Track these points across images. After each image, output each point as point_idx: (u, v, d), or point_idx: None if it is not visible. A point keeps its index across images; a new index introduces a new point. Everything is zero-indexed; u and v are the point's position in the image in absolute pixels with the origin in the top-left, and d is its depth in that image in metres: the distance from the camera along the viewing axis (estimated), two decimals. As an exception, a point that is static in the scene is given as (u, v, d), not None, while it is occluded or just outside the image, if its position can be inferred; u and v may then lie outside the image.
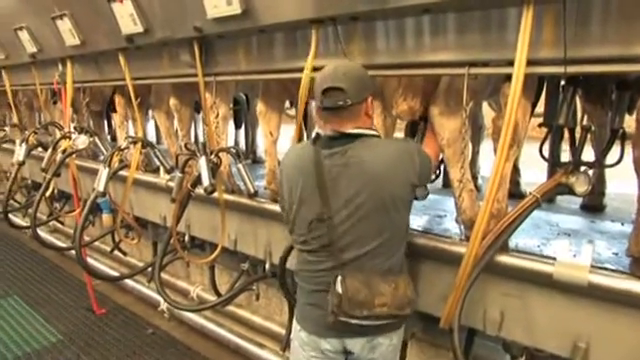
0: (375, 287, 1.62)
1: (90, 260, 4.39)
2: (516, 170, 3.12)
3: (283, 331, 2.97)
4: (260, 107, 2.79)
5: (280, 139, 2.87)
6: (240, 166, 2.63)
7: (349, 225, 1.64)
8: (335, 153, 1.66)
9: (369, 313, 1.61)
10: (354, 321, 1.63)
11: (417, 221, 2.50)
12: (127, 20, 2.65)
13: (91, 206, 2.93)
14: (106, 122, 5.21)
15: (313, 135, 1.76)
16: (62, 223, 5.22)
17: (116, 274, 4.15)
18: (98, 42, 3.09)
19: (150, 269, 3.45)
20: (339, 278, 1.62)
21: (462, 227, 2.23)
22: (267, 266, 2.76)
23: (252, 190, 2.64)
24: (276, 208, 2.63)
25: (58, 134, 3.84)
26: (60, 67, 3.65)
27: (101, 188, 2.85)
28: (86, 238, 4.03)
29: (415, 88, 2.19)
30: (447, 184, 3.26)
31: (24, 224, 4.70)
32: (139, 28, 2.63)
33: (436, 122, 2.18)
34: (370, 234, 1.64)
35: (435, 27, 1.82)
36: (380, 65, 2.04)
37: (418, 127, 2.31)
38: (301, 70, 2.17)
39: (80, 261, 2.91)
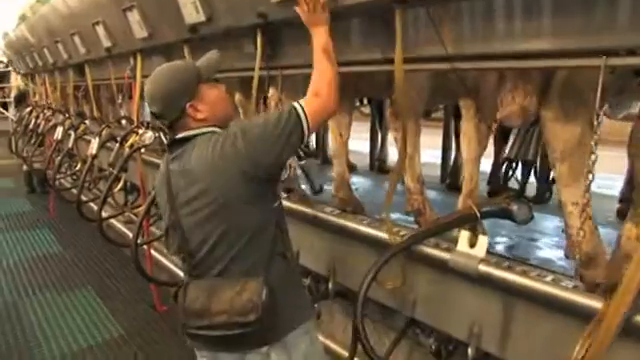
0: (214, 293, 1.47)
1: (156, 255, 4.31)
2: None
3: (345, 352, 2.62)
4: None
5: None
6: (303, 163, 2.25)
7: (194, 229, 1.51)
8: (175, 158, 1.56)
9: (209, 323, 1.46)
10: (201, 332, 1.49)
11: (504, 243, 2.03)
12: (190, 8, 2.40)
13: (150, 206, 2.73)
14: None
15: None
16: (136, 215, 5.23)
17: (179, 271, 4.00)
18: (164, 34, 2.90)
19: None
20: (185, 286, 1.52)
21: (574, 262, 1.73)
22: (330, 285, 2.39)
23: (317, 187, 2.23)
24: (342, 221, 2.26)
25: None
26: (132, 61, 3.53)
27: (159, 188, 2.64)
28: (155, 231, 3.97)
29: (529, 82, 1.69)
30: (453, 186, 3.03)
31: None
32: (201, 17, 2.37)
33: (548, 130, 1.69)
34: (214, 237, 1.48)
35: (555, 4, 1.33)
36: (476, 55, 1.59)
37: None
38: (379, 62, 1.78)
39: (135, 261, 2.72)
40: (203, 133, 1.53)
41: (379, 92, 2.58)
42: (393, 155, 4.05)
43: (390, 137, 4.15)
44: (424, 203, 2.30)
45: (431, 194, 2.82)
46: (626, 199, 2.56)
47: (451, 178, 3.29)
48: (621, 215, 2.65)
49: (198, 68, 1.59)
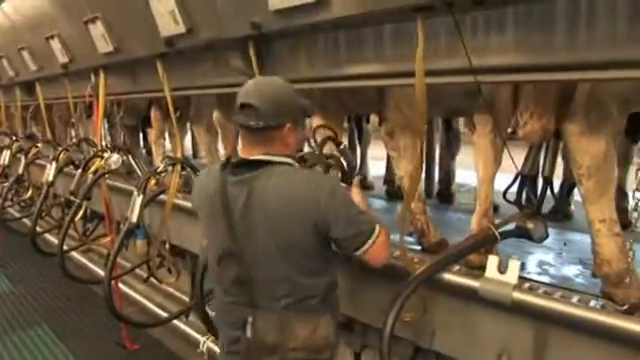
0: (289, 329, 1.45)
1: (122, 287, 3.91)
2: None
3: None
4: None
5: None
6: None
7: (258, 263, 1.45)
8: (239, 182, 1.45)
9: (281, 358, 1.45)
10: None
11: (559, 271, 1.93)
12: (167, 19, 2.15)
13: (122, 241, 2.41)
14: (142, 136, 4.80)
15: (223, 159, 1.58)
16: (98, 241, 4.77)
17: (150, 304, 3.65)
18: (133, 48, 2.61)
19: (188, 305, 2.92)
20: (250, 320, 1.45)
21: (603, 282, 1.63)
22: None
23: None
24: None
25: (91, 152, 3.38)
26: (93, 78, 3.19)
27: (134, 219, 2.35)
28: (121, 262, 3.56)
29: (548, 100, 1.58)
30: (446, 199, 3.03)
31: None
32: (181, 28, 2.12)
33: (574, 145, 1.58)
34: (281, 275, 1.45)
35: (605, 10, 1.22)
36: (502, 68, 1.45)
37: None
38: (390, 76, 1.62)
39: (108, 300, 2.39)
40: (282, 163, 1.46)
41: (368, 108, 2.41)
42: (374, 171, 3.92)
43: (370, 152, 4.09)
44: (427, 223, 2.14)
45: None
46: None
47: (442, 188, 3.18)
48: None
49: (308, 103, 1.58)
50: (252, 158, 1.45)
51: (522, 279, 1.63)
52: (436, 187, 3.26)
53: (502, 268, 1.60)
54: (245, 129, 1.46)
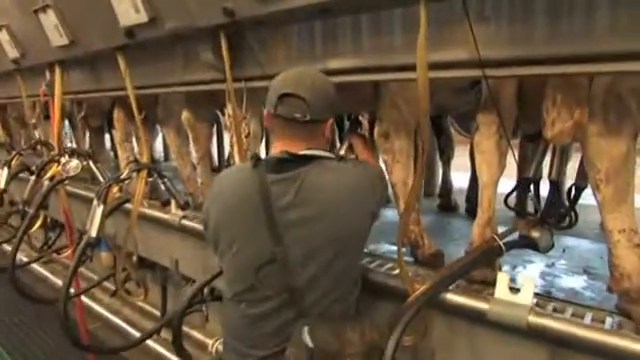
0: (343, 336, 1.35)
1: (87, 301, 3.58)
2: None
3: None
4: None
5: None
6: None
7: (306, 265, 1.33)
8: (285, 179, 1.34)
9: None
10: None
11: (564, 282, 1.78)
12: (126, 7, 1.87)
13: (79, 257, 2.12)
14: (109, 138, 4.44)
15: (251, 157, 1.44)
16: (59, 253, 4.40)
17: (117, 320, 3.35)
18: (91, 40, 2.31)
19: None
20: (306, 329, 1.31)
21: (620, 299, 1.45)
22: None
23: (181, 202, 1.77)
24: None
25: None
26: (48, 74, 2.86)
27: (94, 233, 2.06)
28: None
29: (581, 92, 1.38)
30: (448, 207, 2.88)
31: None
32: (143, 17, 1.85)
33: (592, 147, 1.39)
34: (329, 274, 1.36)
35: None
36: (513, 60, 1.26)
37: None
38: (389, 69, 1.40)
39: (64, 326, 2.09)
40: (330, 158, 1.42)
41: (361, 107, 2.19)
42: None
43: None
44: (422, 234, 1.94)
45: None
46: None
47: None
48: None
49: None
50: (302, 153, 1.36)
51: (515, 290, 1.44)
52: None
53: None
54: (287, 122, 1.35)
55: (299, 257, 1.33)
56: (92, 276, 3.68)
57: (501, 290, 1.39)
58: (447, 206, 2.97)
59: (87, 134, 3.38)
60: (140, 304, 3.47)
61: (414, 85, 1.76)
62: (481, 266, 1.58)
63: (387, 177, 1.89)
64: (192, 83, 2.20)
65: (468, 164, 2.76)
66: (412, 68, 1.28)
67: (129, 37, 1.99)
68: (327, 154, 1.43)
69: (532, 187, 1.86)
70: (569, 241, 2.31)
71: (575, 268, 1.99)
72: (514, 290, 1.42)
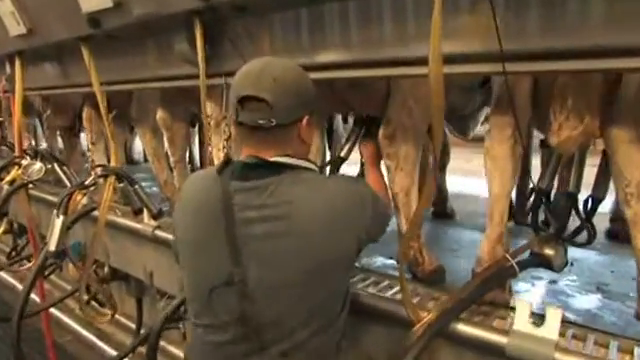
0: None
1: (56, 313, 3.29)
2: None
3: None
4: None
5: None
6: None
7: (269, 293, 1.11)
8: (252, 189, 1.13)
9: None
10: None
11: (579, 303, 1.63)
12: (88, -10, 1.62)
13: (39, 270, 1.86)
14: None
15: (220, 161, 1.23)
16: (29, 260, 4.09)
17: (88, 334, 3.08)
18: (51, 29, 2.05)
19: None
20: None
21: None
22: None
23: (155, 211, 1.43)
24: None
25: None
26: (7, 67, 2.58)
27: (52, 246, 1.80)
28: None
29: (591, 96, 1.20)
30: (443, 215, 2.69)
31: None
32: (107, 2, 1.60)
33: (621, 156, 1.20)
34: (301, 306, 1.13)
35: None
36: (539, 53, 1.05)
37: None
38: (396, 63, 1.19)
39: (16, 350, 1.83)
40: (307, 168, 1.18)
41: (373, 107, 1.91)
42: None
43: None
44: (422, 249, 1.74)
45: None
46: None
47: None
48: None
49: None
50: (271, 160, 1.14)
51: (541, 317, 1.24)
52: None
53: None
54: (252, 129, 1.12)
55: (261, 281, 1.10)
56: (64, 285, 3.41)
57: (522, 321, 1.19)
58: (442, 214, 2.78)
59: (50, 135, 3.08)
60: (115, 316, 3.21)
61: (428, 83, 1.58)
62: (493, 289, 1.39)
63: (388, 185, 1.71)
64: (167, 78, 1.97)
65: (464, 167, 2.59)
66: (420, 62, 1.07)
67: (93, 25, 1.74)
68: (305, 163, 1.19)
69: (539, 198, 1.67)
70: (576, 253, 2.13)
71: (587, 285, 1.81)
72: (535, 316, 1.22)
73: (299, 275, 1.10)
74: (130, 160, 4.91)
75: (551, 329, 1.15)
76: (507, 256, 1.41)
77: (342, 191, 1.16)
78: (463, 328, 1.27)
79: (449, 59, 1.07)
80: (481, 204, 2.99)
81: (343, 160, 1.96)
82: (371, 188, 1.26)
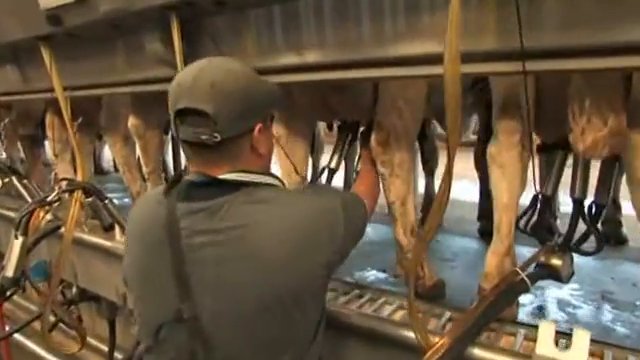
0: None
1: (20, 338, 3.02)
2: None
3: None
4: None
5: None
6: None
7: (225, 329, 0.96)
8: (200, 211, 0.97)
9: None
10: None
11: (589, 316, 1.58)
12: (47, -18, 1.42)
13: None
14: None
15: (169, 179, 1.09)
16: None
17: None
18: (6, 27, 1.82)
19: None
20: None
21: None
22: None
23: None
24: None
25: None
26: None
27: (10, 272, 1.59)
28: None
29: (617, 95, 1.10)
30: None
31: None
32: (69, -4, 1.41)
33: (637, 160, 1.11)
34: (259, 343, 0.97)
35: None
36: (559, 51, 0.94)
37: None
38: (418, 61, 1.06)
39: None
40: (265, 184, 1.02)
41: (359, 113, 1.77)
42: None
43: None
44: (422, 263, 1.62)
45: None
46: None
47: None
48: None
49: (275, 87, 1.09)
50: (221, 177, 0.97)
51: (558, 334, 1.13)
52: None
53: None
54: (195, 146, 0.97)
55: (214, 316, 0.96)
56: (31, 307, 3.14)
57: (545, 345, 1.07)
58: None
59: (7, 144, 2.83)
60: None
61: (418, 83, 1.46)
62: (506, 307, 1.27)
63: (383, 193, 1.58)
64: (138, 82, 1.78)
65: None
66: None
67: (53, 23, 1.55)
68: (263, 178, 1.03)
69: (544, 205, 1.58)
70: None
71: (591, 294, 1.73)
72: (560, 335, 1.11)
73: (257, 307, 0.95)
74: (100, 170, 4.64)
75: (579, 353, 1.04)
76: (517, 270, 1.30)
77: (307, 210, 1.01)
78: (481, 354, 1.14)
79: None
80: (468, 209, 2.92)
81: (334, 171, 1.84)
82: (340, 196, 1.13)
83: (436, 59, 0.97)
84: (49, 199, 1.71)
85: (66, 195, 1.78)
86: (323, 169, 1.81)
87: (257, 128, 1.00)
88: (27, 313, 3.00)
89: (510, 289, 1.26)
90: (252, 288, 0.94)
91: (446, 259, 2.14)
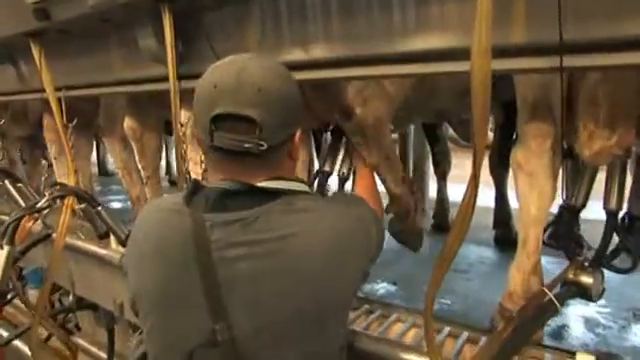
0: None
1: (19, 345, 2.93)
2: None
3: None
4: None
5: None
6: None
7: (263, 350, 0.86)
8: (235, 221, 0.86)
9: None
10: None
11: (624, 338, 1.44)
12: (33, -26, 1.31)
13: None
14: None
15: (188, 187, 0.95)
16: None
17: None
18: (-5, 24, 1.72)
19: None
20: None
21: None
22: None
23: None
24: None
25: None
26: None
27: (-6, 283, 1.47)
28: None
29: (626, 100, 0.97)
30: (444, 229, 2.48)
31: None
32: (55, -12, 1.30)
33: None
34: (297, 355, 0.88)
35: None
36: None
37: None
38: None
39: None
40: (302, 192, 0.94)
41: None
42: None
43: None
44: (416, 206, 1.53)
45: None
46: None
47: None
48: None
49: None
50: (261, 185, 0.89)
51: None
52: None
53: None
54: (232, 154, 0.87)
55: (253, 336, 0.87)
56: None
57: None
58: (443, 227, 2.53)
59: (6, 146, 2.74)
60: (85, 345, 2.88)
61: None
62: (535, 332, 1.14)
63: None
64: (134, 82, 1.67)
65: (453, 173, 2.37)
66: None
67: (40, 17, 1.43)
68: (298, 185, 0.95)
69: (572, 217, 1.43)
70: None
71: (621, 312, 1.58)
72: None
73: (298, 322, 0.86)
74: (104, 171, 4.56)
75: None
76: (545, 290, 1.17)
77: (344, 219, 0.94)
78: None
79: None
80: (482, 215, 2.78)
81: (329, 174, 1.73)
82: (369, 205, 1.06)
83: (458, 54, 0.85)
84: (38, 206, 1.59)
85: (57, 202, 1.67)
86: (317, 173, 1.69)
87: (297, 135, 0.94)
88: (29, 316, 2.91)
89: (539, 313, 1.13)
90: (292, 303, 0.85)
91: (461, 270, 2.01)
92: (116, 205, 3.82)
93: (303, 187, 0.96)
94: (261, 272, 0.85)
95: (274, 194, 0.89)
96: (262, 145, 0.84)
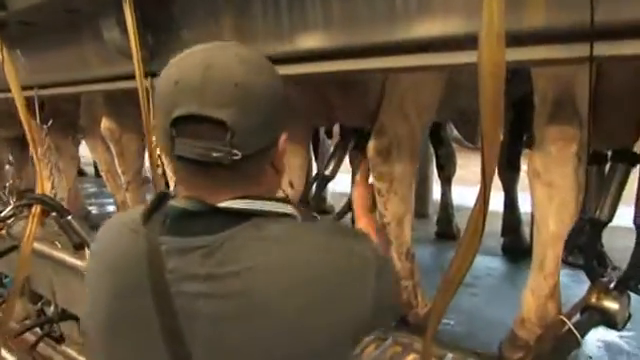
0: None
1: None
2: None
3: None
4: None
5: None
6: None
7: None
8: (194, 249, 0.68)
9: None
10: None
11: None
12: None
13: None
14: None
15: (148, 201, 0.76)
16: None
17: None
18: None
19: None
20: None
21: None
22: None
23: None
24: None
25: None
26: None
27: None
28: None
29: None
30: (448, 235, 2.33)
31: None
32: (9, -27, 1.15)
33: None
34: None
35: None
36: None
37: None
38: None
39: None
40: (279, 214, 0.73)
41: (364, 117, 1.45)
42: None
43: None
44: (416, 290, 1.35)
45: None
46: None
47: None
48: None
49: None
50: (224, 205, 0.70)
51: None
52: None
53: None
54: (196, 164, 0.68)
55: None
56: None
57: None
58: (447, 234, 2.37)
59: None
60: (74, 355, 2.76)
61: (431, 84, 1.17)
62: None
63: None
64: (108, 79, 1.52)
65: (470, 177, 2.18)
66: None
67: (-2, 8, 1.29)
68: (276, 206, 0.76)
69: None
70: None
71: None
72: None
73: None
74: (99, 173, 4.43)
75: None
76: (564, 319, 1.00)
77: (329, 253, 0.73)
78: None
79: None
80: (488, 221, 2.62)
81: (329, 179, 1.57)
82: (377, 249, 0.81)
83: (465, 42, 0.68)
84: (3, 215, 1.46)
85: (23, 210, 1.53)
86: (316, 176, 1.54)
87: (281, 141, 0.74)
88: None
89: (557, 346, 0.97)
90: (260, 352, 0.70)
91: (465, 284, 1.82)
92: (111, 208, 3.69)
93: (282, 208, 0.76)
94: (222, 315, 0.68)
95: (244, 216, 0.71)
96: (235, 154, 0.67)
